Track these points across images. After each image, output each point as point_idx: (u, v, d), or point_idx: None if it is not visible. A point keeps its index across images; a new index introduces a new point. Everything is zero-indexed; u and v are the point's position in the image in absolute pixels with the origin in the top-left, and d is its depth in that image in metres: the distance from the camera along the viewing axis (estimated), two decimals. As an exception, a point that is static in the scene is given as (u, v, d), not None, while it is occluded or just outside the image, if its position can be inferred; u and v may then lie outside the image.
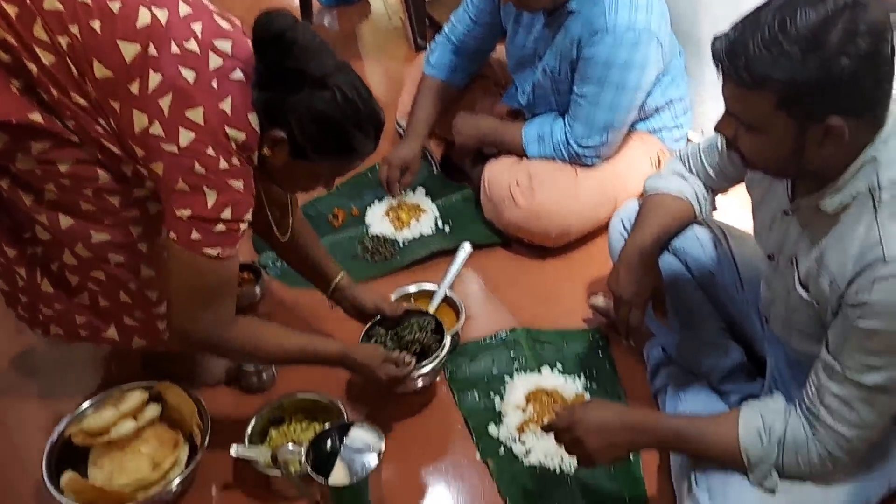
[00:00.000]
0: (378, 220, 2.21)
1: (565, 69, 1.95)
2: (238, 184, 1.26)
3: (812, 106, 1.06)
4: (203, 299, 1.31)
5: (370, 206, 2.26)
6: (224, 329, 1.36)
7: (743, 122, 1.14)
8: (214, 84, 1.23)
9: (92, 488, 1.40)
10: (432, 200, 2.28)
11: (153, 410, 1.52)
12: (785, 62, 1.04)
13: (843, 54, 1.02)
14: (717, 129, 1.20)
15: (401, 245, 2.12)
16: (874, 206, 1.11)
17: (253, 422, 1.53)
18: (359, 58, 3.14)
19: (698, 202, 1.54)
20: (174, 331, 1.37)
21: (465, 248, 1.88)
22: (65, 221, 1.34)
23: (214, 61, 1.24)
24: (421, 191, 2.30)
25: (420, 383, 1.60)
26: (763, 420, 1.24)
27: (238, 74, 1.25)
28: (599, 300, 1.86)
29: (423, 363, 1.57)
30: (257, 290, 1.94)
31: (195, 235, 1.24)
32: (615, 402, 1.64)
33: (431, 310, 1.79)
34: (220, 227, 1.25)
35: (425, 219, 2.20)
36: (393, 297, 1.84)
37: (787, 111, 1.07)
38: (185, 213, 1.23)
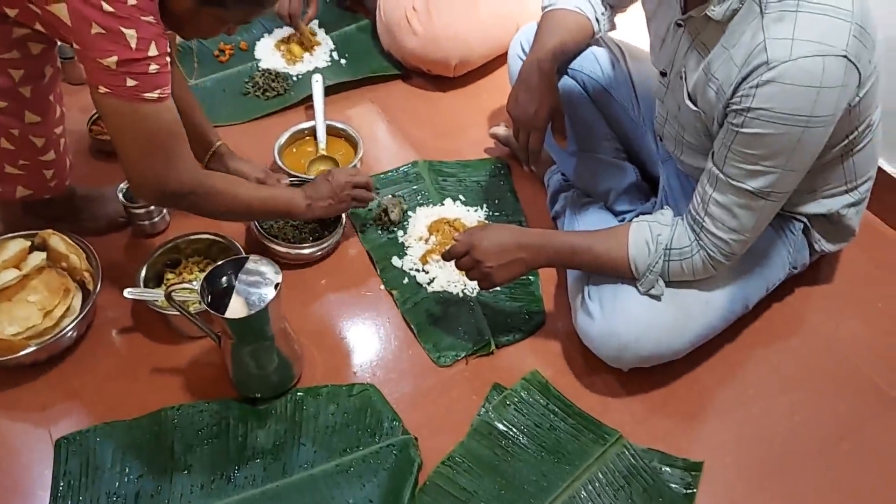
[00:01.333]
0: (269, 53, 2.09)
1: None
2: (150, 18, 1.14)
3: None
4: (164, 148, 1.22)
5: (259, 39, 2.13)
6: (191, 178, 1.27)
7: None
8: None
9: (-20, 339, 1.34)
10: (326, 32, 2.15)
11: (37, 258, 1.44)
12: None
13: None
14: None
15: (294, 79, 2.02)
16: (760, 10, 1.10)
17: (146, 264, 1.48)
18: None
19: (596, 18, 1.50)
20: (148, 192, 1.27)
21: (317, 79, 1.85)
22: None
23: None
24: (314, 22, 2.16)
25: (319, 254, 1.59)
26: (651, 231, 1.28)
27: None
28: (500, 129, 1.84)
29: (323, 239, 1.57)
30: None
31: (130, 82, 1.13)
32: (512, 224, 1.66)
33: (320, 147, 1.75)
34: (153, 66, 1.15)
35: (320, 51, 2.09)
36: (286, 136, 1.77)
37: None
38: (111, 59, 1.11)
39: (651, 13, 1.37)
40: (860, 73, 1.10)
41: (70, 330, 1.39)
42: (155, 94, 1.17)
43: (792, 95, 1.07)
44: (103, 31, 1.10)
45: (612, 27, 1.58)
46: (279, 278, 1.25)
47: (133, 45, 1.12)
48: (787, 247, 1.43)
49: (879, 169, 1.52)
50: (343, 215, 1.61)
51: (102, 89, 1.14)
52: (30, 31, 1.24)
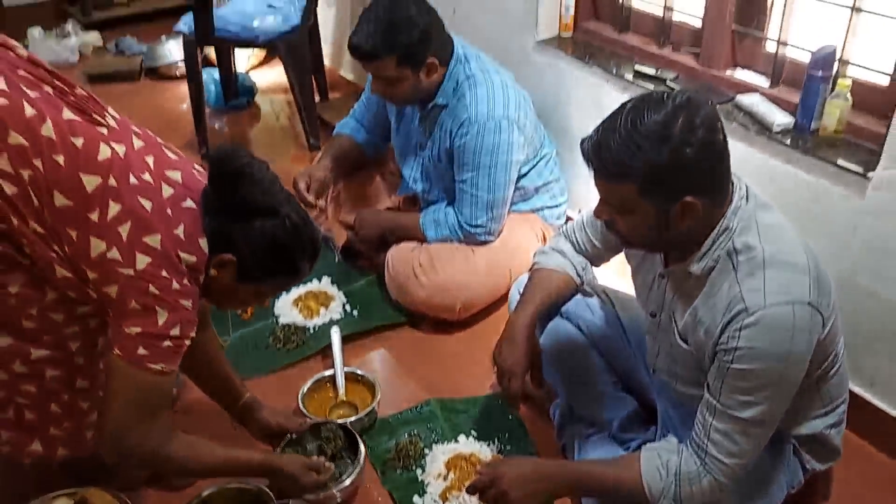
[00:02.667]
0: (287, 310, 2.29)
1: (445, 158, 2.17)
2: (188, 303, 1.33)
3: (668, 189, 1.27)
4: (146, 413, 1.35)
5: (278, 297, 2.34)
6: (161, 444, 1.39)
7: (616, 208, 1.33)
8: (169, 211, 1.32)
9: None
10: (338, 288, 2.39)
11: (80, 515, 1.51)
12: (640, 155, 1.23)
13: (687, 144, 1.23)
14: (595, 215, 1.39)
15: (311, 332, 2.21)
16: (733, 266, 1.32)
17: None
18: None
19: (578, 275, 1.73)
20: (113, 445, 1.37)
21: (336, 331, 2.06)
22: (3, 341, 1.36)
23: (167, 190, 1.33)
24: (327, 279, 2.41)
25: (340, 497, 1.65)
26: (660, 458, 1.41)
27: (189, 202, 1.35)
28: (505, 367, 2.01)
29: (342, 478, 1.64)
30: (174, 390, 1.95)
31: (142, 351, 1.29)
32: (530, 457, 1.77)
33: (339, 393, 1.90)
34: (168, 343, 1.31)
35: (334, 305, 2.30)
36: (309, 384, 1.92)
37: (649, 195, 1.27)
38: (135, 330, 1.28)
39: (636, 267, 1.60)
40: (822, 315, 1.31)
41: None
42: (158, 367, 1.31)
43: (771, 336, 1.27)
44: (140, 308, 1.28)
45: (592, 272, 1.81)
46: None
47: (160, 323, 1.29)
48: (783, 469, 1.54)
49: (851, 392, 1.69)
50: (361, 455, 1.69)
51: (117, 350, 1.30)
52: (89, 307, 1.40)
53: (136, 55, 4.04)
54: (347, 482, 1.64)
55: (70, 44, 4.10)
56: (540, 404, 1.92)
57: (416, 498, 1.69)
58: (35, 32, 4.05)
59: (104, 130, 1.32)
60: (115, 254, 1.27)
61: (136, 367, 1.30)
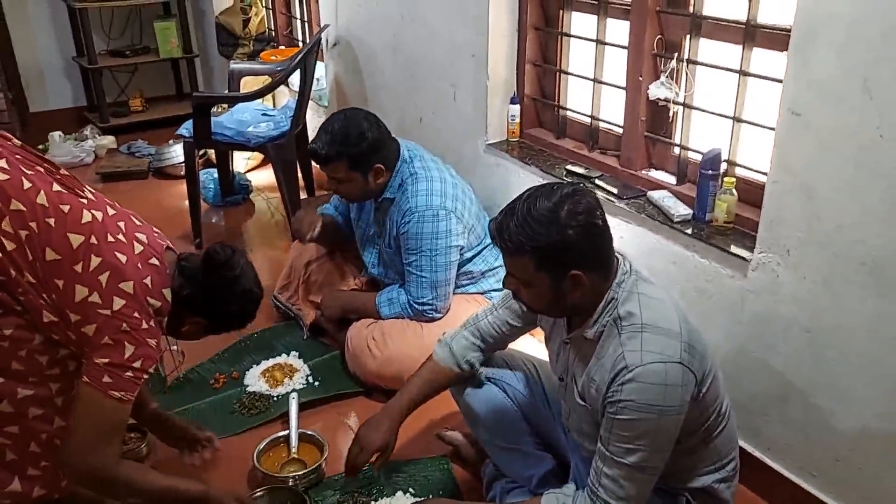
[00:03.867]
0: (255, 380, 2.52)
1: (394, 245, 2.46)
2: (153, 342, 1.59)
3: (558, 263, 1.50)
4: (103, 436, 1.57)
5: (249, 369, 2.58)
6: (115, 465, 1.61)
7: (519, 280, 1.57)
8: (139, 265, 1.61)
9: None
10: (304, 361, 2.62)
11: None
12: (534, 234, 1.48)
13: (570, 227, 1.47)
14: (504, 286, 1.63)
15: (274, 399, 2.43)
16: (618, 331, 1.54)
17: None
18: (244, 247, 3.55)
19: (458, 364, 1.92)
20: (70, 463, 1.60)
21: (293, 397, 2.30)
22: None
23: (137, 248, 1.63)
24: (294, 354, 2.64)
25: None
26: (557, 500, 1.59)
27: (154, 260, 1.65)
28: (446, 432, 2.21)
29: None
30: (144, 448, 2.16)
31: (106, 379, 1.53)
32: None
33: (292, 451, 2.12)
34: (129, 374, 1.55)
35: (297, 377, 2.52)
36: (265, 442, 2.13)
37: (543, 268, 1.51)
38: (103, 360, 1.53)
39: (547, 335, 1.83)
40: (695, 375, 1.52)
41: None
42: (119, 395, 1.54)
43: (646, 390, 1.47)
44: (111, 343, 1.53)
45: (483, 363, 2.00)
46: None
47: (126, 356, 1.54)
48: (677, 519, 1.71)
49: (746, 451, 1.88)
50: None
51: (85, 378, 1.54)
52: (69, 352, 1.62)
53: (145, 156, 4.43)
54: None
55: (87, 146, 4.51)
56: (473, 465, 2.11)
57: (355, 550, 1.87)
58: (56, 136, 4.47)
59: (85, 201, 1.61)
60: (95, 298, 1.52)
61: (101, 393, 1.53)
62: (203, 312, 1.72)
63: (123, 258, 1.57)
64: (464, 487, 2.07)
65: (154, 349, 1.59)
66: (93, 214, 1.59)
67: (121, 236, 1.60)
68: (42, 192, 1.54)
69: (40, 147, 4.34)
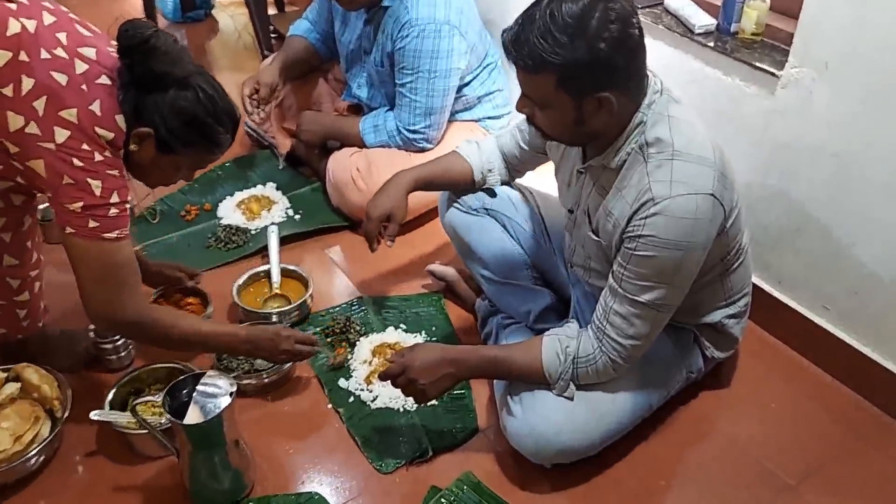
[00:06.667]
0: (230, 212, 2.34)
1: (387, 62, 2.19)
2: (115, 172, 1.37)
3: (584, 83, 1.29)
4: (116, 281, 1.41)
5: (222, 201, 2.39)
6: (141, 308, 1.46)
7: (535, 102, 1.37)
8: (84, 87, 1.34)
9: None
10: (283, 193, 2.43)
11: (11, 388, 1.58)
12: (558, 48, 1.26)
13: (602, 39, 1.25)
14: (517, 109, 1.43)
15: (252, 233, 2.27)
16: (644, 159, 1.37)
17: (112, 392, 1.63)
18: (208, 69, 3.24)
19: (481, 172, 1.79)
20: (99, 318, 1.45)
21: (273, 230, 2.11)
22: None
23: (81, 66, 1.35)
24: (271, 185, 2.45)
25: (267, 379, 1.75)
26: (560, 343, 1.49)
27: (104, 79, 1.37)
28: (436, 266, 2.08)
29: (273, 368, 1.74)
30: (209, 311, 1.92)
31: (92, 224, 1.34)
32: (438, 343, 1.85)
33: (274, 286, 1.99)
34: (113, 210, 1.36)
35: (276, 209, 2.35)
36: (244, 277, 1.99)
37: (565, 89, 1.30)
38: (78, 205, 1.33)
39: (557, 164, 1.66)
40: (724, 208, 1.38)
41: (35, 454, 1.51)
42: (114, 234, 1.37)
43: (673, 225, 1.33)
44: (73, 182, 1.32)
45: (504, 183, 1.86)
46: (233, 388, 1.42)
47: (98, 193, 1.34)
48: (681, 354, 1.63)
49: (755, 286, 1.78)
50: None
51: (69, 229, 1.35)
52: (12, 184, 1.44)
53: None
54: (278, 372, 1.75)
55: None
56: (466, 300, 2.00)
57: (341, 381, 1.78)
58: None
59: (13, 6, 1.33)
60: (33, 128, 1.30)
61: (93, 241, 1.35)
62: (141, 112, 1.38)
63: (63, 79, 1.32)
64: (457, 324, 1.97)
65: (119, 178, 1.38)
66: (22, 24, 1.32)
67: (60, 51, 1.34)
68: None
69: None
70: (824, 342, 1.79)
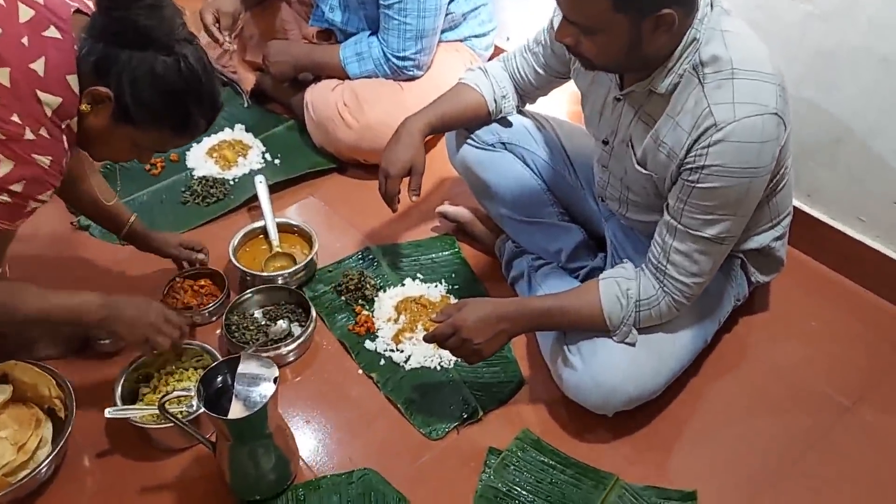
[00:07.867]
0: (201, 162, 2.10)
1: None
2: (44, 160, 1.14)
3: (643, 1, 1.15)
4: None
5: (189, 149, 2.14)
6: None
7: (582, 28, 1.21)
8: (25, 41, 1.09)
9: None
10: (255, 136, 2.20)
11: (3, 392, 1.38)
12: None
13: None
14: (558, 38, 1.26)
15: (232, 183, 2.04)
16: (699, 80, 1.24)
17: (120, 382, 1.44)
18: None
19: (494, 99, 1.64)
20: None
21: (260, 180, 1.90)
22: None
23: (25, 13, 1.10)
24: (240, 127, 2.21)
25: (293, 357, 1.60)
26: (619, 286, 1.38)
27: (53, 30, 1.12)
28: (447, 207, 1.92)
29: (295, 338, 1.59)
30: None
31: None
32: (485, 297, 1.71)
33: (273, 244, 1.80)
34: (4, 197, 1.13)
35: (252, 154, 2.13)
36: (239, 236, 1.79)
37: (623, 9, 1.15)
38: None
39: (585, 92, 1.51)
40: (787, 126, 1.28)
41: (46, 465, 1.32)
42: None
43: (740, 151, 1.22)
44: None
45: (517, 111, 1.71)
46: (276, 372, 1.25)
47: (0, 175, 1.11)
48: (730, 283, 1.56)
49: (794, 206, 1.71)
50: (313, 314, 1.62)
51: None
52: None
53: None
54: (298, 342, 1.59)
55: None
56: (483, 241, 1.86)
57: (367, 343, 1.63)
58: None
59: None
60: None
61: None
62: (106, 70, 1.14)
63: None
64: (477, 269, 1.83)
65: (47, 168, 1.15)
66: None
67: None
68: None
69: None
70: (860, 256, 1.74)
